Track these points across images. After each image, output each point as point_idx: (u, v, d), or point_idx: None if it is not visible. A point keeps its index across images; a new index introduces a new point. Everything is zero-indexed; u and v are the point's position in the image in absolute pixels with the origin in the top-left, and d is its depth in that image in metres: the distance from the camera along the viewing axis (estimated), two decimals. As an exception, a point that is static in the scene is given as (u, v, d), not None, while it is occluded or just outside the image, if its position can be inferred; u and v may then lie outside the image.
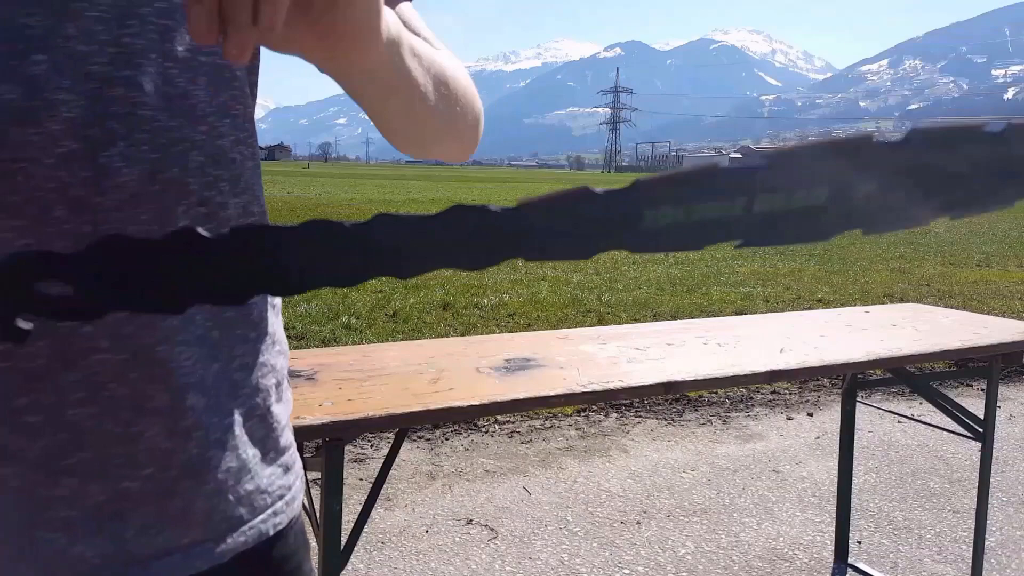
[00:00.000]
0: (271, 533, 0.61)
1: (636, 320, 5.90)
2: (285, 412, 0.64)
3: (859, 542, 2.64)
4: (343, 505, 1.45)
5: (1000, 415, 3.87)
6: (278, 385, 0.63)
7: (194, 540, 0.56)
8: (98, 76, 0.47)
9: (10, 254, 0.32)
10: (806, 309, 6.07)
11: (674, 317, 6.04)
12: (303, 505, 0.68)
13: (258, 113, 0.64)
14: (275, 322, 0.63)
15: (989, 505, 2.25)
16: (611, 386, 1.57)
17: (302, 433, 1.27)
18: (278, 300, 0.65)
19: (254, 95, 0.59)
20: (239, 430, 0.58)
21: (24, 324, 0.33)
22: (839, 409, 2.57)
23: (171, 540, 0.55)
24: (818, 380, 4.41)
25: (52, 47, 0.46)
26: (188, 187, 0.52)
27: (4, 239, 0.46)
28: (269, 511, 0.61)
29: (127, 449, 0.52)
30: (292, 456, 0.65)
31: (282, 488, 0.63)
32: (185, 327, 0.54)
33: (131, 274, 0.32)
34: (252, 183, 0.59)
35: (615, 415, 3.86)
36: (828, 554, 2.55)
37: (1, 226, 0.47)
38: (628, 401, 3.93)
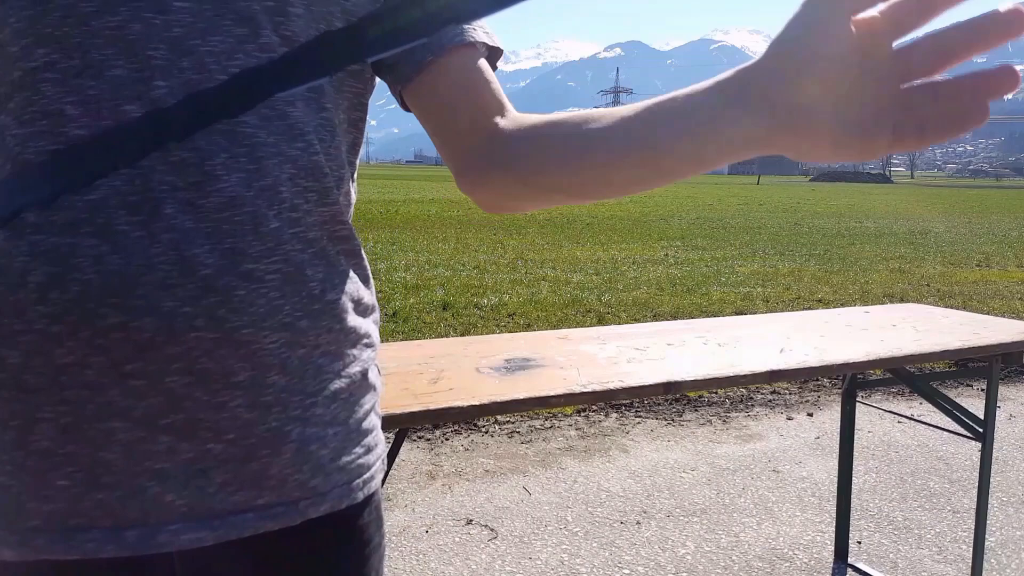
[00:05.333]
0: (343, 506, 0.67)
1: (636, 320, 5.90)
2: (371, 398, 0.71)
3: (859, 542, 2.64)
4: (343, 505, 1.45)
5: (1000, 415, 3.87)
6: (364, 373, 0.70)
7: (268, 502, 0.63)
8: None
9: None
10: (806, 309, 6.08)
11: (674, 317, 6.04)
12: None
13: None
14: (359, 319, 0.70)
15: (989, 505, 2.25)
16: (611, 386, 1.57)
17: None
18: (367, 299, 0.71)
19: (357, 124, 0.69)
20: (321, 410, 0.65)
21: None
22: (839, 409, 2.57)
23: (247, 499, 0.62)
24: (818, 380, 4.41)
25: (170, 75, 0.56)
26: (280, 195, 0.60)
27: (121, 231, 0.56)
28: (345, 486, 0.67)
29: (213, 415, 0.59)
30: (375, 438, 0.71)
31: (361, 467, 0.69)
32: (272, 315, 0.61)
33: None
34: (339, 198, 0.66)
35: (615, 415, 3.86)
36: (828, 554, 2.55)
37: (119, 220, 0.55)
38: (628, 401, 3.93)
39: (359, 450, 0.69)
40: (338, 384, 0.66)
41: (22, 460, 0.57)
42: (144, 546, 0.59)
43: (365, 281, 0.71)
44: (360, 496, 0.69)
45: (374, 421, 0.72)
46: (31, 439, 0.57)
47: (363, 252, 0.71)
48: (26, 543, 0.58)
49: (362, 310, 0.70)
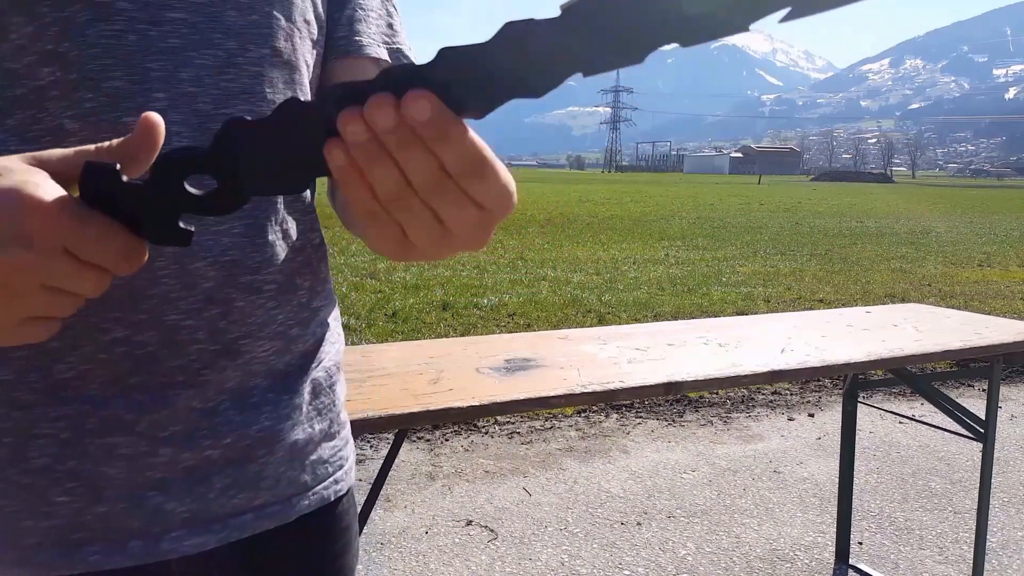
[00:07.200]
0: (332, 499, 0.69)
1: (636, 320, 5.89)
2: (342, 392, 0.74)
3: (860, 543, 2.64)
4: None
5: (1001, 415, 3.86)
6: (337, 368, 0.73)
7: (265, 502, 0.64)
8: (203, 112, 0.57)
9: (158, 157, 0.36)
10: (807, 309, 6.07)
11: (675, 317, 6.03)
12: None
13: None
14: (334, 322, 0.73)
15: (990, 506, 2.24)
16: (611, 386, 1.56)
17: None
18: (334, 300, 0.74)
19: None
20: (306, 408, 0.67)
21: (186, 225, 0.38)
22: (840, 409, 2.56)
23: (246, 501, 0.63)
24: (819, 380, 4.40)
25: (169, 87, 0.56)
26: (275, 206, 0.62)
27: None
28: (330, 479, 0.69)
29: (210, 422, 0.60)
30: (348, 430, 0.74)
31: (341, 459, 0.71)
32: (268, 325, 0.62)
33: (258, 157, 0.36)
34: (315, 206, 0.70)
35: (615, 416, 3.86)
36: (829, 555, 2.54)
37: None
38: (628, 402, 3.93)
39: (338, 443, 0.71)
40: (318, 381, 0.69)
41: (17, 478, 0.56)
42: (149, 555, 0.59)
43: (329, 282, 0.74)
44: (343, 488, 0.71)
45: (345, 414, 0.74)
46: (28, 456, 0.56)
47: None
48: (26, 561, 0.57)
49: (331, 310, 0.73)
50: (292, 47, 0.63)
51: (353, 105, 0.33)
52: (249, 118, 0.36)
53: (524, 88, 0.33)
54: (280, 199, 0.63)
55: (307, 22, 0.64)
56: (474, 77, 0.33)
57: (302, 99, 0.35)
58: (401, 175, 0.35)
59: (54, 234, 0.36)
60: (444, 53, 0.33)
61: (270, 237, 0.62)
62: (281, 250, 0.63)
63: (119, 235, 0.37)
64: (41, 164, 0.39)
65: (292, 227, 0.64)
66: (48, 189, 0.37)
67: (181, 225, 0.38)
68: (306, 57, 0.64)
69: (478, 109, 0.34)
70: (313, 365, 0.68)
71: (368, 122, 0.33)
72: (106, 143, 0.39)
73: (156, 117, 0.38)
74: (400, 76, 0.33)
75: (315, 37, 0.66)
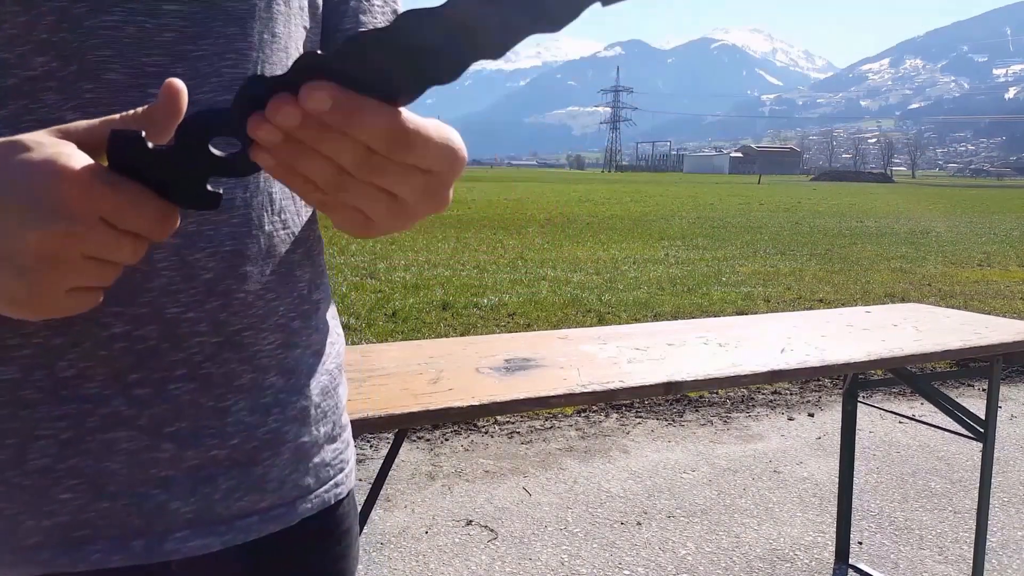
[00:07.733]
0: (332, 502, 0.69)
1: (636, 320, 5.89)
2: (344, 392, 0.73)
3: (860, 543, 2.64)
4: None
5: (1001, 415, 3.86)
6: (339, 369, 0.72)
7: (270, 505, 0.63)
8: (203, 102, 0.57)
9: (181, 121, 0.37)
10: (807, 309, 6.07)
11: (675, 317, 6.03)
12: None
13: None
14: (332, 319, 0.73)
15: (990, 505, 2.24)
16: (611, 386, 1.56)
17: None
18: (332, 303, 0.73)
19: None
20: (313, 409, 0.67)
21: (214, 188, 0.38)
22: (840, 409, 2.56)
23: (251, 504, 0.62)
24: (819, 380, 4.40)
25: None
26: (271, 196, 0.62)
27: None
28: (332, 482, 0.69)
29: (217, 421, 0.60)
30: (348, 432, 0.73)
31: (343, 462, 0.71)
32: (269, 316, 0.62)
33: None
34: None
35: (615, 415, 3.86)
36: (829, 555, 2.54)
37: None
38: (628, 401, 3.93)
39: (340, 445, 0.71)
40: (323, 382, 0.68)
41: (18, 480, 0.56)
42: (151, 555, 0.58)
43: (326, 276, 0.74)
44: (344, 490, 0.71)
45: (346, 416, 0.74)
46: (29, 457, 0.56)
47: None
48: (27, 561, 0.56)
49: (329, 305, 0.73)
50: (288, 33, 0.62)
51: (258, 111, 0.34)
52: (267, 75, 0.36)
53: (543, 22, 0.32)
54: (277, 190, 0.63)
55: (301, 8, 0.64)
56: (396, 55, 0.32)
57: (319, 52, 0.35)
58: (332, 163, 0.35)
59: (90, 203, 0.37)
60: (355, 38, 0.33)
61: (267, 227, 0.61)
62: (279, 241, 0.63)
63: (151, 201, 0.38)
64: (67, 136, 0.40)
65: (291, 218, 0.64)
66: (79, 159, 0.38)
67: (209, 188, 0.38)
68: (297, 43, 0.64)
69: (416, 87, 0.33)
70: (318, 366, 0.68)
71: (275, 125, 0.33)
72: (130, 111, 0.40)
73: (179, 83, 0.39)
74: (303, 68, 0.33)
75: (307, 24, 0.65)
